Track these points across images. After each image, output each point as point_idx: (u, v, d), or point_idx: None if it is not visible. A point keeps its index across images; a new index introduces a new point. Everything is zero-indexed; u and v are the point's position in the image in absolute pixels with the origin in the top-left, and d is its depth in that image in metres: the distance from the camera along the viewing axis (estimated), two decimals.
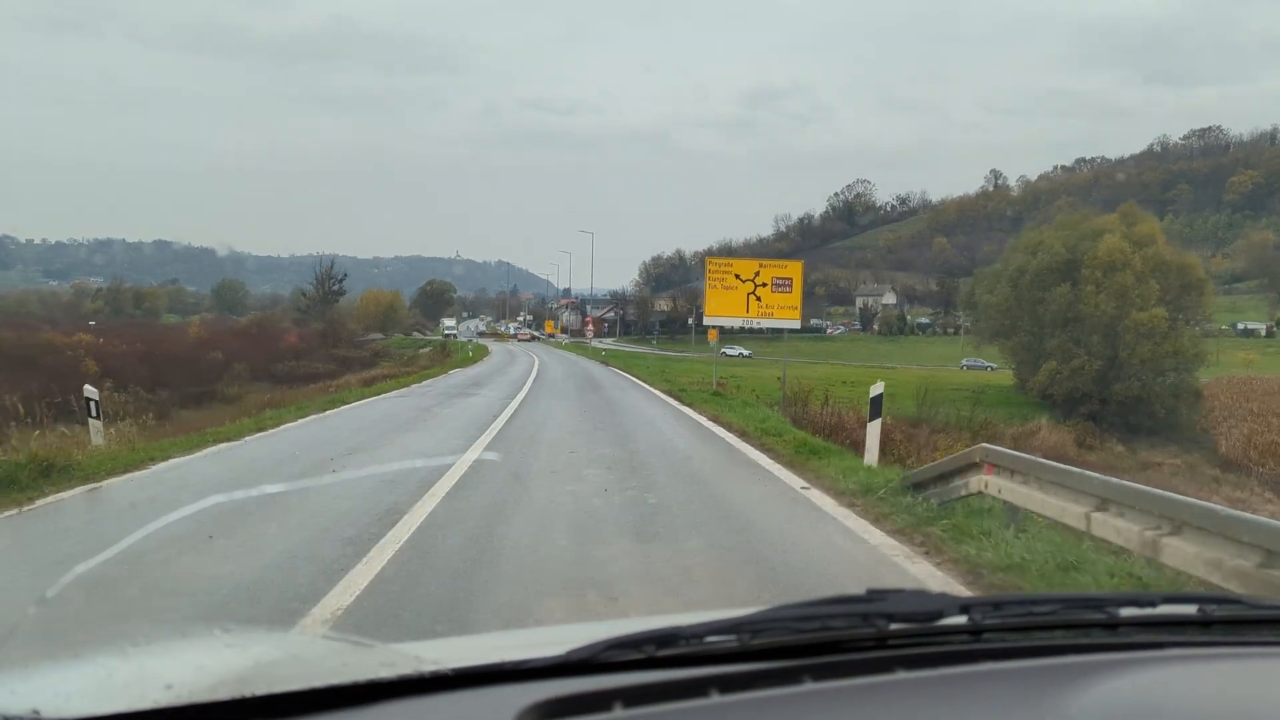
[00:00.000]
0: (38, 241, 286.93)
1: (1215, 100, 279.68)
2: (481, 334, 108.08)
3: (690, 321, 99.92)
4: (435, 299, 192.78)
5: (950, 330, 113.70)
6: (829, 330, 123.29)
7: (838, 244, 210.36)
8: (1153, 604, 1.50)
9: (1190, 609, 1.49)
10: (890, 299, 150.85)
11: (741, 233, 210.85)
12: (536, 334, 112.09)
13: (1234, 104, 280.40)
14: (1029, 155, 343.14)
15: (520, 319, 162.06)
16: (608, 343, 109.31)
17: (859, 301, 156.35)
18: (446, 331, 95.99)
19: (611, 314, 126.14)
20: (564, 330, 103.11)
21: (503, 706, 1.08)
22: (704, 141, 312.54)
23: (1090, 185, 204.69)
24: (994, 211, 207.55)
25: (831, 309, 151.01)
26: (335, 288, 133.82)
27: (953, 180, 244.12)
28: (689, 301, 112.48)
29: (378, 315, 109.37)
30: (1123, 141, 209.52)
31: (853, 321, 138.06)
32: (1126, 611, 1.45)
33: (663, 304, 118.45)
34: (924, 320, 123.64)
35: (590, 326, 67.86)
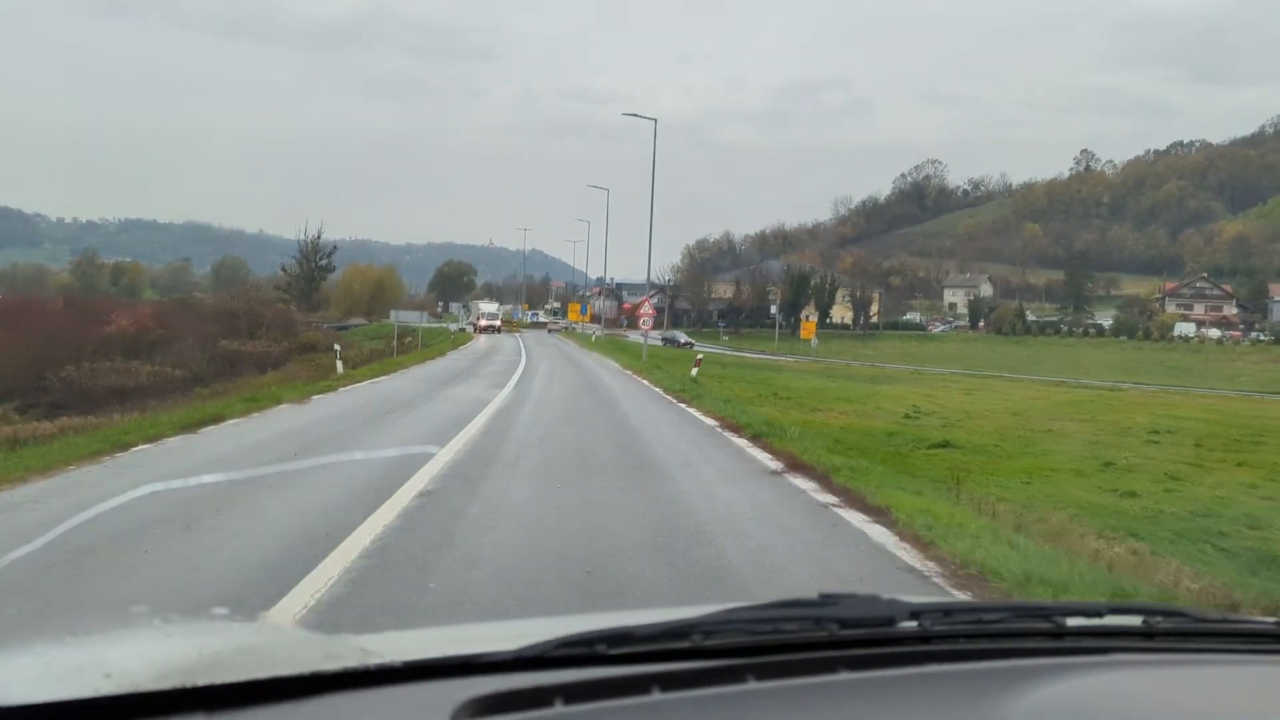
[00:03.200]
0: (68, 220, 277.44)
1: (1267, 98, 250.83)
2: (489, 324, 77.03)
3: (775, 311, 76.38)
4: (453, 282, 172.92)
5: (1085, 330, 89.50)
6: (933, 328, 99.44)
7: (907, 230, 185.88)
8: (1099, 614, 1.52)
9: (1135, 620, 1.53)
10: (986, 290, 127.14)
11: (794, 217, 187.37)
12: (570, 324, 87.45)
13: None
14: (1077, 150, 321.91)
15: (548, 306, 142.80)
16: (654, 337, 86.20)
17: (948, 294, 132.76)
18: (485, 319, 71.07)
19: (655, 300, 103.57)
20: (594, 319, 79.95)
21: (442, 700, 1.07)
22: (740, 133, 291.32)
23: (1203, 169, 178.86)
24: (1088, 196, 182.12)
25: (914, 300, 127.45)
26: (324, 262, 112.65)
27: (1007, 171, 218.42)
28: (757, 286, 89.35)
29: (364, 295, 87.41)
30: (1168, 140, 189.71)
31: (944, 316, 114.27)
32: (1073, 621, 1.49)
33: (723, 289, 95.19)
34: (1036, 317, 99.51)
35: (650, 314, 42.52)
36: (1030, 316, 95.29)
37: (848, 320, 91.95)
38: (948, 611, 1.43)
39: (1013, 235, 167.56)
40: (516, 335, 65.24)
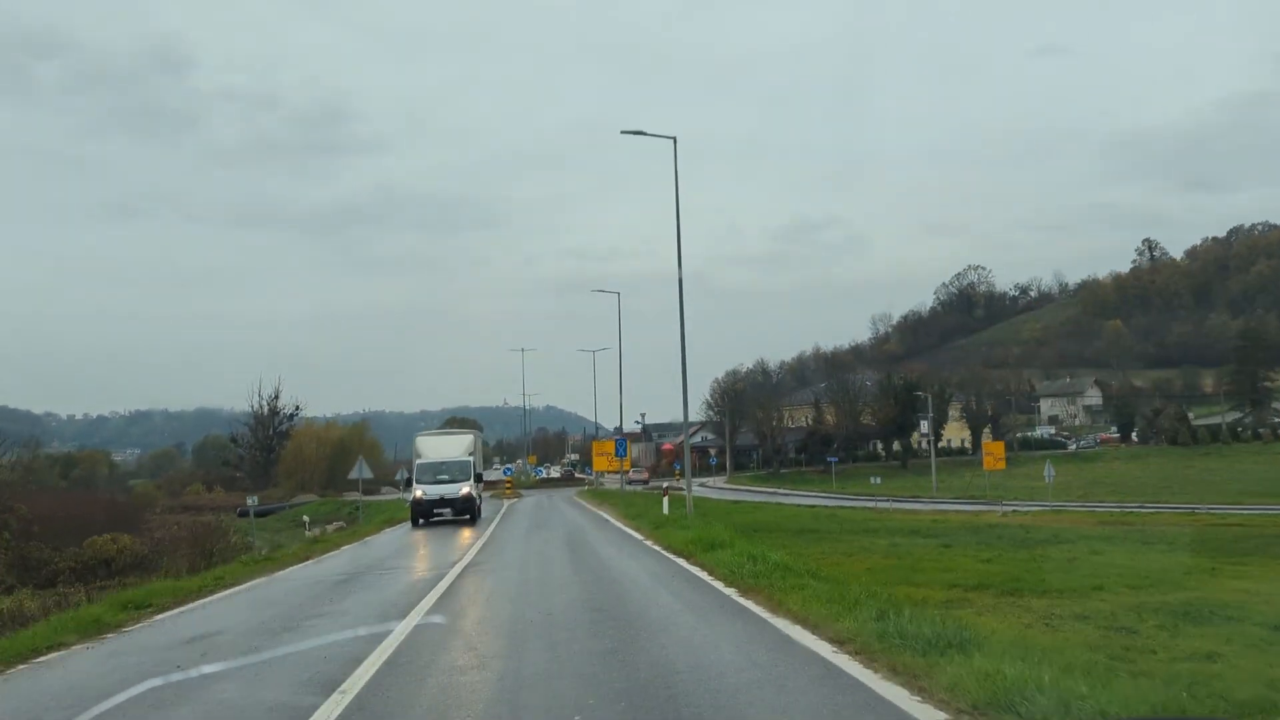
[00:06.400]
0: (79, 417, 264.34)
1: (1256, 203, 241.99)
2: (431, 497, 36.62)
3: (924, 433, 54.10)
4: None
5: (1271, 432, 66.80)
6: (1073, 445, 76.53)
7: (961, 341, 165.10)
8: None
9: None
10: (1093, 399, 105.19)
11: (830, 340, 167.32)
12: (646, 479, 60.08)
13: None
14: (1080, 264, 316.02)
15: (566, 459, 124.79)
16: (744, 480, 63.54)
17: (1044, 404, 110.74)
18: (424, 483, 29.94)
19: (699, 439, 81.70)
20: (635, 465, 57.94)
21: None
22: (744, 276, 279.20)
23: None
24: (1164, 287, 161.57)
25: (1008, 416, 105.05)
26: (282, 428, 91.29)
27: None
28: (845, 406, 67.42)
29: (319, 463, 65.64)
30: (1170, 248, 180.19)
31: (1060, 429, 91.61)
32: None
33: (793, 413, 73.39)
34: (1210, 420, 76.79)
35: None
36: (1220, 419, 72.81)
37: (961, 441, 69.46)
38: None
39: (1090, 335, 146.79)
40: (505, 505, 40.50)
